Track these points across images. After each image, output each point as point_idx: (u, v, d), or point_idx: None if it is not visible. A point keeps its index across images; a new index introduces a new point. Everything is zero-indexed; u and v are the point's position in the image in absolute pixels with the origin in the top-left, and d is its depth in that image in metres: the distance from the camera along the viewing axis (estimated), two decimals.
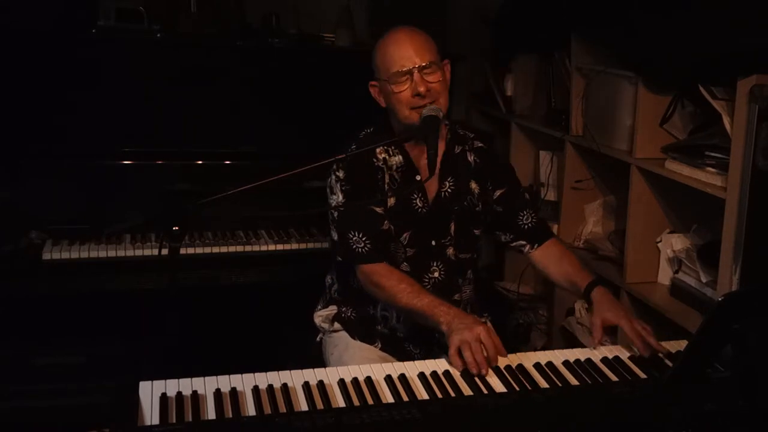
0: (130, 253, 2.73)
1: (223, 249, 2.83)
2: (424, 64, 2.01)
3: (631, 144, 2.71)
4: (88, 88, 2.87)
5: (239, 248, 2.85)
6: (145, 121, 2.90)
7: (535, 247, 2.22)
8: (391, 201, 2.08)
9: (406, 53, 2.01)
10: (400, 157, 2.09)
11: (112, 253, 2.72)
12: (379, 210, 2.05)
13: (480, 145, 2.22)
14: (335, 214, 2.08)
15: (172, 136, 2.92)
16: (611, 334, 2.08)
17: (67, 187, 2.78)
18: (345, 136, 2.16)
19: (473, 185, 2.17)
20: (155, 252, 2.72)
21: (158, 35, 3.05)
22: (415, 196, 2.10)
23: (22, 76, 2.80)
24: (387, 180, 2.08)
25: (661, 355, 1.88)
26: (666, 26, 2.45)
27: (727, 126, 2.26)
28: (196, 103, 2.95)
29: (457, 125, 2.23)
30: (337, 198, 2.07)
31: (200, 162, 2.93)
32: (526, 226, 2.22)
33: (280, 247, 2.89)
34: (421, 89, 1.99)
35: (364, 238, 2.01)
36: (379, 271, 2.01)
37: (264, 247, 2.88)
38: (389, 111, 2.10)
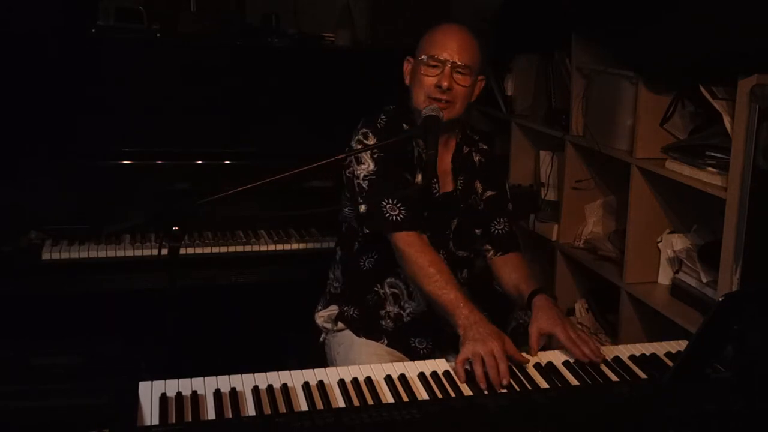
0: (129, 253, 2.73)
1: (223, 249, 2.83)
2: (460, 63, 2.02)
3: (632, 144, 2.71)
4: (88, 88, 2.87)
5: (239, 248, 2.84)
6: (145, 121, 2.90)
7: (498, 254, 2.23)
8: (419, 177, 2.08)
9: (450, 45, 2.03)
10: (423, 141, 2.09)
11: (111, 253, 2.72)
12: (410, 179, 2.05)
13: (484, 147, 2.25)
14: (365, 183, 2.04)
15: (172, 136, 2.91)
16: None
17: (67, 187, 2.77)
18: (345, 135, 2.16)
19: (477, 185, 2.21)
20: (155, 252, 2.72)
21: (158, 35, 3.05)
22: (435, 181, 2.11)
23: (22, 76, 2.80)
24: (416, 155, 2.09)
25: (598, 362, 1.84)
26: (666, 26, 2.45)
27: (728, 126, 2.26)
28: (196, 103, 2.95)
29: (467, 127, 2.25)
30: (368, 166, 2.03)
31: (200, 162, 2.92)
32: (496, 232, 2.23)
33: (279, 247, 2.88)
34: (445, 83, 2.00)
35: (399, 205, 1.99)
36: (413, 243, 1.98)
37: (264, 247, 2.87)
38: (409, 91, 2.11)
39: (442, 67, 2.02)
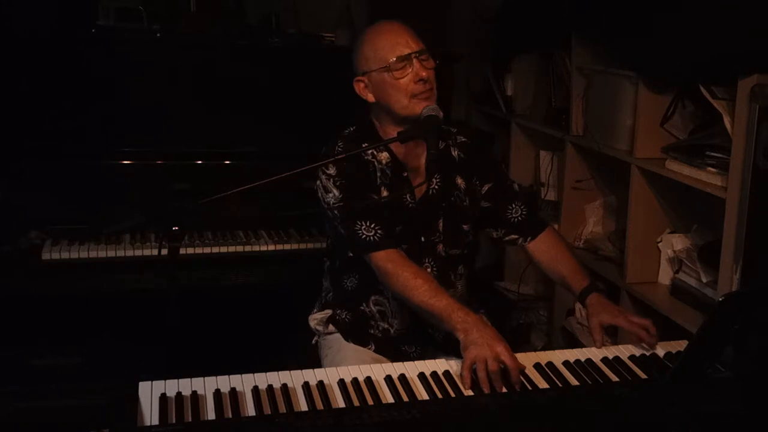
0: (129, 253, 2.73)
1: (223, 249, 2.83)
2: (419, 49, 2.00)
3: (632, 144, 2.71)
4: (88, 88, 2.87)
5: (239, 248, 2.85)
6: (145, 121, 2.90)
7: (528, 240, 2.20)
8: (384, 192, 2.05)
9: (402, 39, 2.00)
10: (387, 153, 2.08)
11: (111, 253, 2.72)
12: (377, 199, 2.03)
13: (463, 139, 2.19)
14: (336, 211, 2.04)
15: (172, 136, 2.91)
16: (611, 335, 2.08)
17: (67, 187, 2.77)
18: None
19: (459, 180, 2.14)
20: (155, 252, 2.72)
21: (158, 35, 3.05)
22: (406, 194, 2.09)
23: (22, 76, 2.80)
24: (378, 174, 2.07)
25: (661, 355, 1.88)
26: (666, 26, 2.45)
27: (728, 126, 2.26)
28: (196, 103, 2.95)
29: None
30: (334, 195, 2.02)
31: (200, 162, 2.92)
32: (516, 220, 2.18)
33: (279, 247, 2.89)
34: (423, 73, 1.98)
35: (373, 225, 1.97)
36: (394, 259, 1.95)
37: (264, 247, 2.87)
38: (376, 106, 2.07)
39: (410, 62, 1.99)
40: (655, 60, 2.54)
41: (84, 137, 2.85)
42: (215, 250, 2.83)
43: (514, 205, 2.18)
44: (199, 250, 2.80)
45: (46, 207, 2.76)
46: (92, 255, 2.70)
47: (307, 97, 3.06)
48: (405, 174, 2.08)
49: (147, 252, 2.74)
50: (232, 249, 2.84)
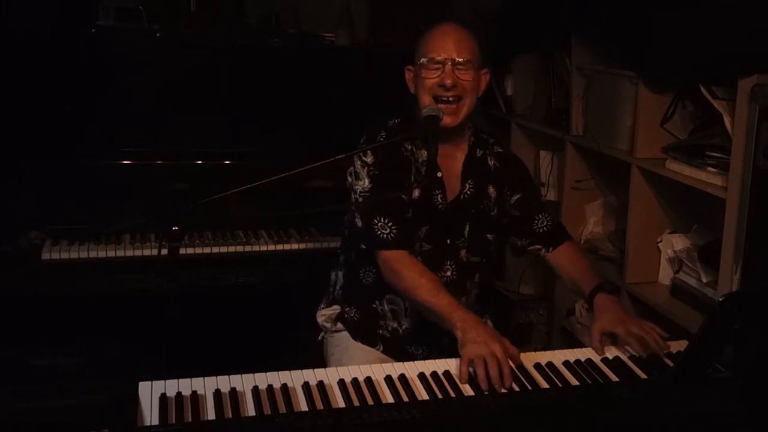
0: (129, 253, 2.73)
1: (223, 249, 2.83)
2: (459, 59, 2.02)
3: (632, 144, 2.71)
4: (88, 88, 2.87)
5: (239, 248, 2.85)
6: (145, 121, 2.90)
7: (550, 250, 2.22)
8: (416, 193, 2.07)
9: (446, 45, 2.03)
10: (425, 152, 2.08)
11: (111, 253, 2.72)
12: (405, 198, 2.05)
13: (500, 150, 2.23)
14: (360, 199, 2.05)
15: (172, 136, 2.91)
16: (612, 335, 2.08)
17: (67, 187, 2.78)
18: (345, 135, 2.16)
19: (491, 190, 2.18)
20: (155, 252, 2.72)
21: (158, 35, 3.05)
22: (437, 192, 2.10)
23: (22, 76, 2.80)
24: (413, 171, 2.08)
25: (661, 355, 1.87)
26: (666, 26, 2.45)
27: (728, 126, 2.26)
28: (196, 103, 2.95)
29: (480, 129, 2.24)
30: (364, 183, 2.03)
31: (200, 162, 2.93)
32: (541, 230, 2.21)
33: (279, 247, 2.89)
34: (448, 81, 2.00)
35: (390, 224, 1.99)
36: (401, 259, 1.98)
37: (264, 247, 2.87)
38: (415, 99, 2.11)
39: (443, 67, 2.02)
40: (655, 60, 2.54)
41: (84, 137, 2.85)
42: (215, 250, 2.83)
43: (540, 216, 2.22)
44: (199, 250, 2.80)
45: (46, 207, 2.76)
46: (92, 255, 2.70)
47: (307, 97, 3.06)
48: (439, 175, 2.10)
49: (147, 252, 2.74)
50: (232, 249, 2.84)
